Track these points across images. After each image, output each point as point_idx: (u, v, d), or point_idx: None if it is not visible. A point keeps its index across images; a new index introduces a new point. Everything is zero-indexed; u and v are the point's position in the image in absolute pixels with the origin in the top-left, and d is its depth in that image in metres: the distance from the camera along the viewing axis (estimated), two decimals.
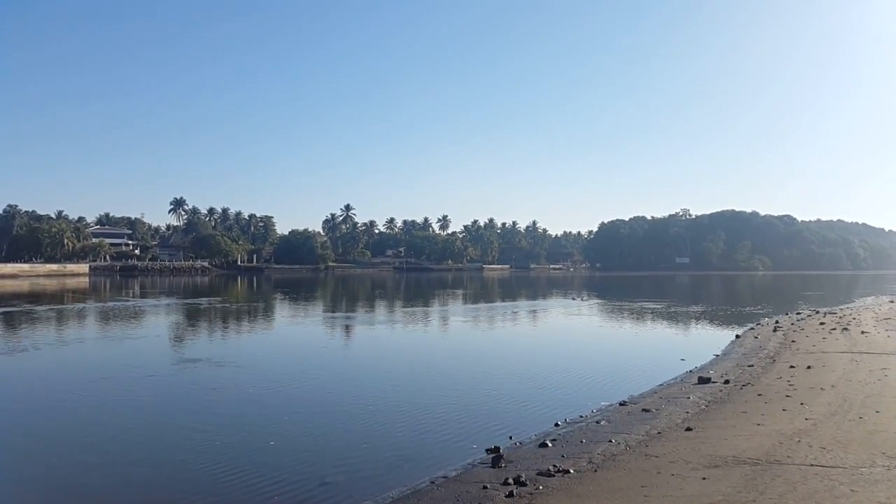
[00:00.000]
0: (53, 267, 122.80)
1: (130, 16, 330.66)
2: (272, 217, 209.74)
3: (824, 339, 24.81)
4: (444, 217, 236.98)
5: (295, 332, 33.72)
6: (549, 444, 11.16)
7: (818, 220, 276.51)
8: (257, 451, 11.26)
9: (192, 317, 42.10)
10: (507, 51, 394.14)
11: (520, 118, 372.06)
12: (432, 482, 9.49)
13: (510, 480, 9.06)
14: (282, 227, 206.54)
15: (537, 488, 8.71)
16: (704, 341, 27.91)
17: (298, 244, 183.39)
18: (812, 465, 8.96)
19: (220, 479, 9.95)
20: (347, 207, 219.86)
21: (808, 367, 17.99)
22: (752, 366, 19.28)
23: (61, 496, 9.33)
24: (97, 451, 11.43)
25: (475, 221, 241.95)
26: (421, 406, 14.86)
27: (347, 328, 35.28)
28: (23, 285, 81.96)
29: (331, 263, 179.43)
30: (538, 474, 9.33)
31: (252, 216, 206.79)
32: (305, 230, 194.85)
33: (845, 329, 28.04)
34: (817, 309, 43.62)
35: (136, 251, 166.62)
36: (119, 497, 9.34)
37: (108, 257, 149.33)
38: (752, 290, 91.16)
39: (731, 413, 12.87)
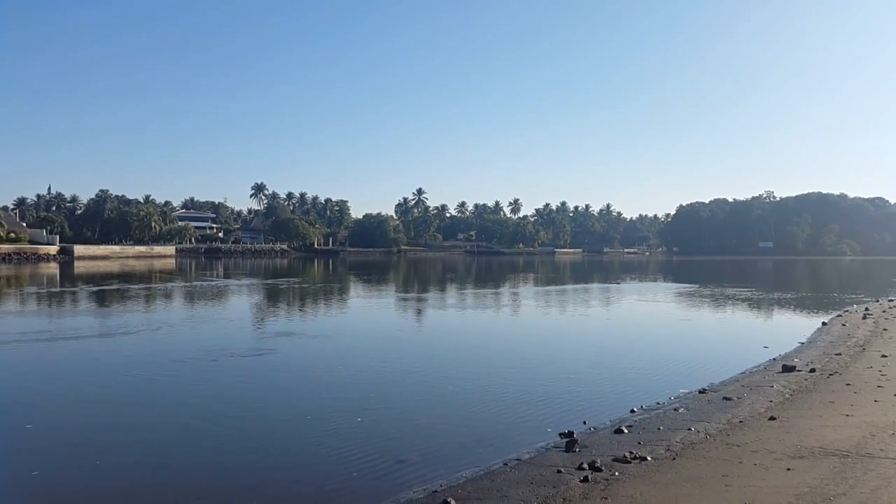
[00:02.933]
0: (142, 249, 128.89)
1: (216, 5, 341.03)
2: (347, 201, 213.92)
3: None
4: (516, 200, 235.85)
5: (372, 312, 34.30)
6: (625, 431, 10.98)
7: None
8: (344, 427, 11.59)
9: (275, 296, 43.45)
10: (580, 38, 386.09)
11: (595, 105, 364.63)
12: (505, 464, 9.50)
13: (585, 465, 8.97)
14: (356, 211, 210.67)
15: (613, 474, 8.59)
16: (789, 328, 26.87)
17: (372, 228, 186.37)
18: None
19: (307, 452, 10.33)
20: (419, 191, 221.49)
21: None
22: (840, 354, 18.42)
23: (160, 460, 9.82)
24: (193, 421, 12.01)
25: (547, 205, 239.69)
26: (494, 388, 14.89)
27: (421, 310, 35.65)
28: (113, 266, 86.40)
29: (403, 247, 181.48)
30: (614, 460, 9.20)
31: (328, 200, 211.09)
32: (379, 214, 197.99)
33: None
34: None
35: (220, 234, 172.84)
36: (215, 462, 9.81)
37: (193, 240, 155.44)
38: (840, 275, 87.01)
39: (817, 403, 12.35)
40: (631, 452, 9.49)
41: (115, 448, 10.56)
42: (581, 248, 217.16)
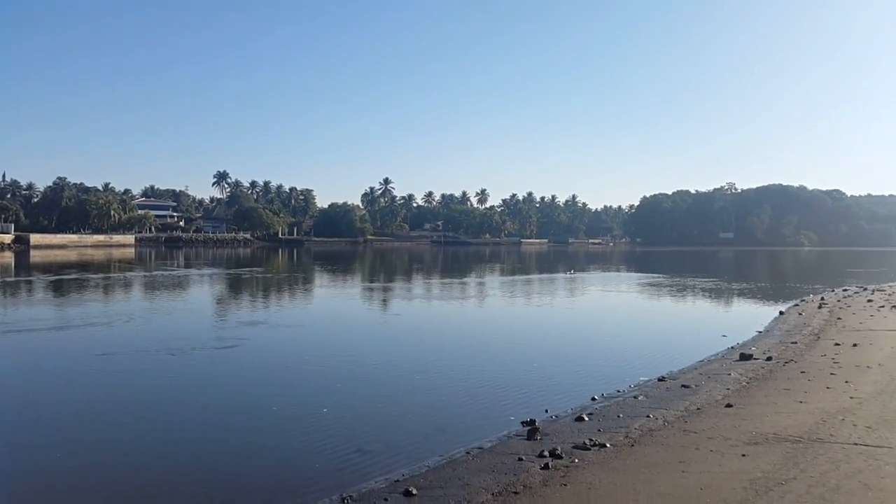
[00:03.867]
0: (101, 238, 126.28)
1: None
2: (312, 190, 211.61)
3: (872, 317, 24.17)
4: (483, 191, 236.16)
5: (338, 303, 34.13)
6: (586, 418, 11.13)
7: (869, 195, 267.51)
8: (310, 418, 11.53)
9: (238, 287, 42.95)
10: (550, 27, 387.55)
11: (561, 95, 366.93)
12: (468, 453, 9.55)
13: (546, 453, 9.06)
14: (321, 201, 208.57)
15: (573, 461, 8.70)
16: (747, 317, 27.43)
17: (338, 217, 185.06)
18: (856, 444, 8.77)
19: (271, 444, 10.28)
20: (386, 181, 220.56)
21: (854, 345, 17.57)
22: (796, 343, 18.89)
23: (126, 455, 9.66)
24: (157, 414, 11.82)
25: (514, 195, 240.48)
26: (457, 378, 14.95)
27: (387, 300, 35.58)
28: (71, 255, 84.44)
29: (369, 237, 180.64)
30: (574, 447, 9.32)
31: (293, 189, 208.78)
32: (345, 203, 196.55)
33: (894, 307, 27.26)
34: (865, 286, 42.45)
35: (181, 223, 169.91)
36: (177, 455, 9.71)
37: (153, 229, 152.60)
38: (798, 266, 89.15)
39: (773, 390, 12.65)
40: (591, 439, 9.61)
41: (72, 443, 10.36)
42: (547, 238, 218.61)
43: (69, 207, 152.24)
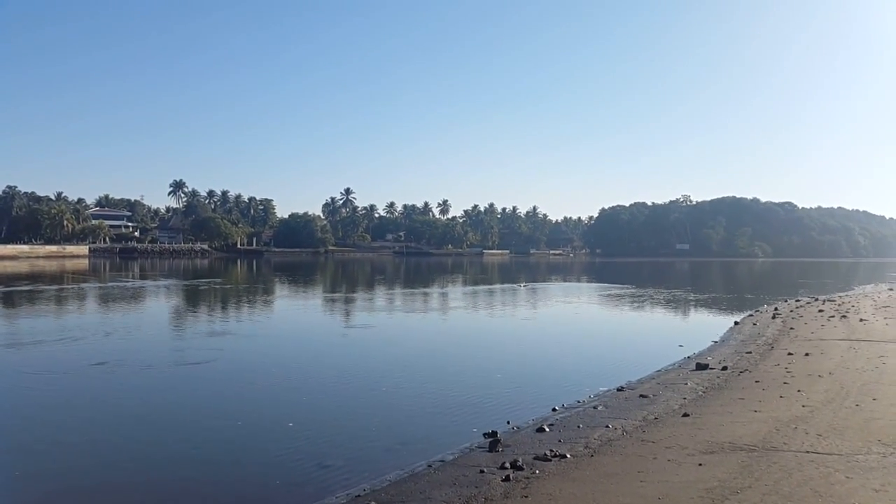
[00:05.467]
0: (53, 248, 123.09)
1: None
2: (272, 200, 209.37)
3: (823, 327, 24.83)
4: (445, 202, 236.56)
5: (300, 315, 33.77)
6: (547, 429, 11.21)
7: (819, 208, 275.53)
8: (274, 433, 11.37)
9: (195, 299, 42.18)
10: (508, 37, 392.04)
11: (521, 105, 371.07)
12: (430, 466, 9.54)
13: (507, 465, 9.10)
14: (282, 211, 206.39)
15: (534, 472, 8.75)
16: (703, 328, 27.93)
17: (298, 228, 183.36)
18: (808, 451, 9.00)
19: (232, 460, 10.13)
20: (347, 191, 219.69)
21: (806, 355, 18.03)
22: (751, 352, 19.31)
23: (86, 472, 9.41)
24: (117, 433, 11.53)
25: (475, 206, 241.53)
26: (419, 391, 14.92)
27: (348, 313, 35.34)
28: (22, 266, 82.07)
29: (331, 247, 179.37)
30: (535, 459, 9.37)
31: (252, 199, 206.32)
32: (305, 214, 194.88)
33: (844, 316, 28.06)
34: (816, 296, 43.63)
35: (136, 233, 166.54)
36: (135, 471, 9.47)
37: (107, 239, 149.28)
38: (752, 276, 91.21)
39: (728, 399, 12.91)
40: (551, 450, 9.68)
41: (25, 465, 10.05)
42: (508, 249, 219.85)
43: (20, 217, 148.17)
